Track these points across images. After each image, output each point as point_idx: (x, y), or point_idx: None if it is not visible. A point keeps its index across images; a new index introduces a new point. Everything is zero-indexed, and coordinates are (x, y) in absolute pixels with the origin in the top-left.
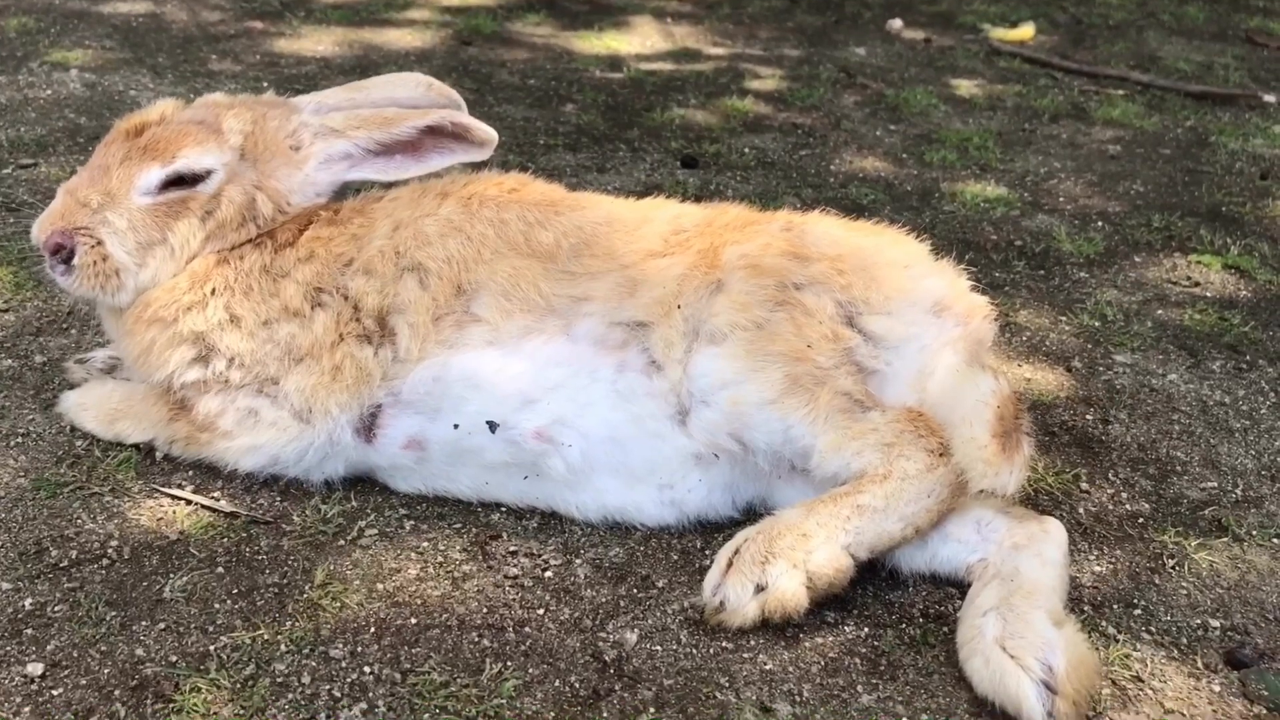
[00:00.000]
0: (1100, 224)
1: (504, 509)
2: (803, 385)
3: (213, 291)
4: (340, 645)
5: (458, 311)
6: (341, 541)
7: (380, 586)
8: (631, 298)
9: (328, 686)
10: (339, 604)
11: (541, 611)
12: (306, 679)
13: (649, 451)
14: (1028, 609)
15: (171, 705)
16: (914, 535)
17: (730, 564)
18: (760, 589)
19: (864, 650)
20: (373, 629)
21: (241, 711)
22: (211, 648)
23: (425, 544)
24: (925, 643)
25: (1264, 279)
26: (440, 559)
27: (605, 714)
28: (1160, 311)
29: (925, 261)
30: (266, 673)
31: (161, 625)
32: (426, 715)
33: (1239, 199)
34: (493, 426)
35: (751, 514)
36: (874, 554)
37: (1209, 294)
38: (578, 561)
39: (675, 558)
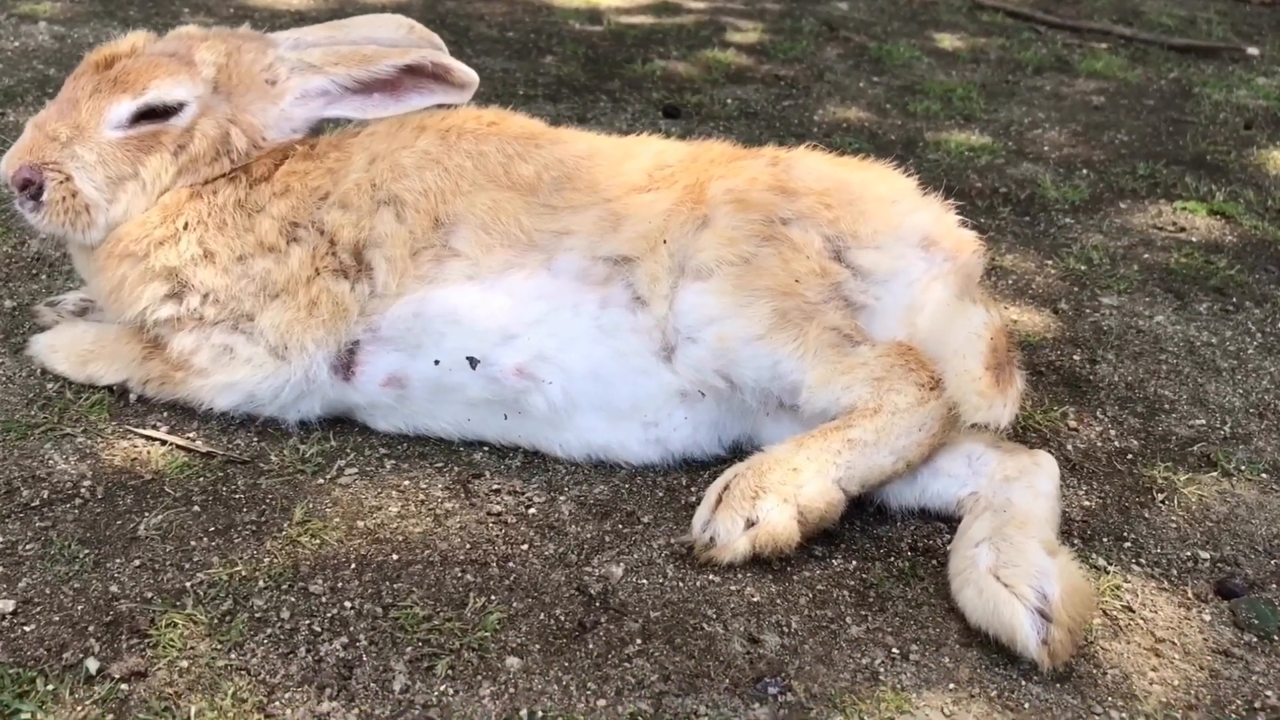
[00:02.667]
0: (1085, 171)
1: (486, 448)
2: (791, 320)
3: (185, 226)
4: (320, 581)
5: (436, 245)
6: (320, 480)
7: (360, 524)
8: (615, 232)
9: (308, 621)
10: (318, 541)
11: (525, 547)
12: (286, 614)
13: (633, 388)
14: (1021, 538)
15: (147, 640)
16: (905, 469)
17: (720, 499)
18: (751, 524)
19: (852, 583)
20: (353, 565)
21: (219, 646)
22: (188, 584)
23: (406, 482)
24: (914, 575)
25: (1249, 224)
26: (422, 497)
27: (591, 646)
28: (1146, 255)
29: (913, 196)
30: (245, 608)
31: (136, 562)
32: (409, 648)
33: (1223, 148)
34: (473, 362)
35: (738, 452)
36: (865, 488)
37: (1194, 239)
38: (561, 499)
39: (660, 495)
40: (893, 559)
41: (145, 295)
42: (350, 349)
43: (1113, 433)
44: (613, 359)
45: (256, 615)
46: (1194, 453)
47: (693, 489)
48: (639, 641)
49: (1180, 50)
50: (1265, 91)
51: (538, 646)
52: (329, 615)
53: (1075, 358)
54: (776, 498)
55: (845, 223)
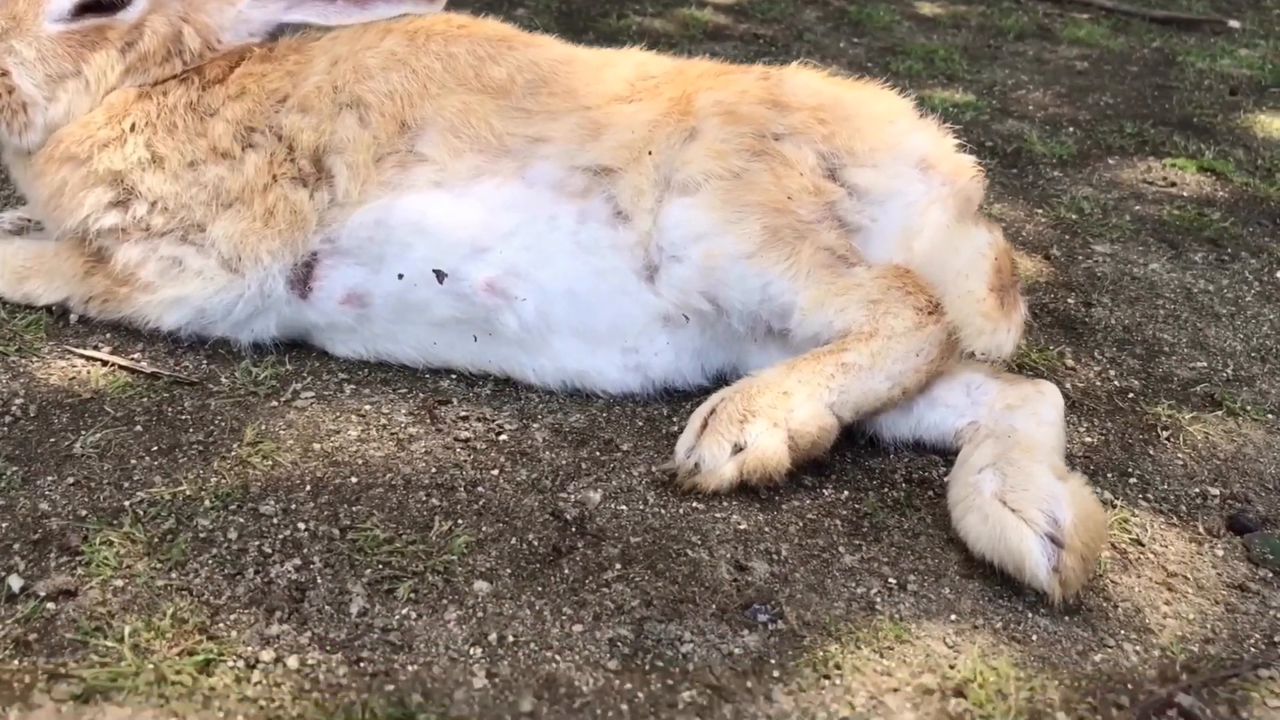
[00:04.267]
0: (1071, 129)
1: (454, 375)
2: (783, 239)
3: (132, 127)
4: (271, 502)
5: (401, 150)
6: (274, 403)
7: (317, 446)
8: (595, 141)
9: (257, 542)
10: (270, 462)
11: (496, 472)
12: (233, 534)
13: (612, 310)
14: (1028, 463)
15: (79, 558)
16: (901, 396)
17: (706, 423)
18: (738, 449)
19: (844, 513)
20: (308, 487)
21: (159, 565)
22: (127, 503)
23: (367, 407)
24: (910, 506)
25: (1240, 181)
26: (384, 421)
27: (566, 571)
28: (1138, 207)
29: (910, 117)
30: (188, 528)
31: (70, 480)
32: (369, 571)
33: (1210, 111)
34: (440, 276)
35: (722, 383)
36: (859, 415)
37: (1185, 193)
38: (535, 426)
39: (640, 424)
40: (887, 490)
41: (88, 202)
42: (308, 262)
43: (1112, 373)
44: (591, 276)
45: (201, 535)
46: (1197, 393)
47: (674, 419)
48: (618, 566)
49: (1161, 22)
50: (1249, 61)
51: (509, 571)
52: (280, 537)
53: (1070, 301)
54: (766, 421)
55: (840, 139)
